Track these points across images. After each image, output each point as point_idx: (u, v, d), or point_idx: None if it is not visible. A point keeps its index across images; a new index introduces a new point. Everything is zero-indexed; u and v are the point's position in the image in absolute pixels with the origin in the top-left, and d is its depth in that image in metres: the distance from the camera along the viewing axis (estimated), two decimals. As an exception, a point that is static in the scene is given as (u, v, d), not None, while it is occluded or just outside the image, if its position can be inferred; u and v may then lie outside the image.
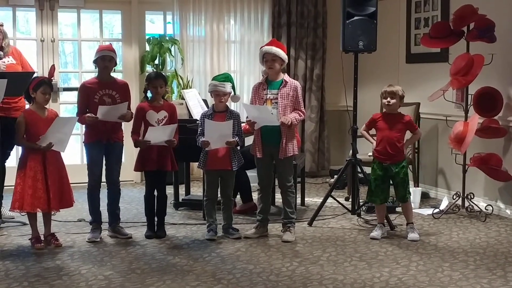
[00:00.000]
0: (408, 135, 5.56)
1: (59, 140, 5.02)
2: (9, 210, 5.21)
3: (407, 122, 5.45)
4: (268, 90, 5.33)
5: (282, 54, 5.32)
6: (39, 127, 5.01)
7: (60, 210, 5.23)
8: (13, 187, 5.10)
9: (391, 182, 5.45)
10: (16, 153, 7.12)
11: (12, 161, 7.26)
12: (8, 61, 5.80)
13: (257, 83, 5.48)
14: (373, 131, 5.57)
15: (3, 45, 5.83)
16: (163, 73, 6.30)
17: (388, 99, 5.37)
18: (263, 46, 5.39)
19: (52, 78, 5.33)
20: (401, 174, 5.37)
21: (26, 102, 5.24)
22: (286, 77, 5.38)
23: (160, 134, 5.25)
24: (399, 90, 5.38)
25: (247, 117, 5.31)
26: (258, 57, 5.45)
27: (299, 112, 5.34)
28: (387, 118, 5.44)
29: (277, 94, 5.28)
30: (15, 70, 5.76)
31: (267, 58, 5.30)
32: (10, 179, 5.41)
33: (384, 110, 5.56)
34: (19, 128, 5.07)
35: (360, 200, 6.17)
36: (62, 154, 5.17)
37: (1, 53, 5.78)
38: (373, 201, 5.49)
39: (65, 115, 6.91)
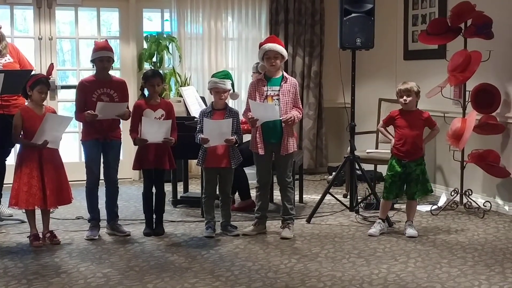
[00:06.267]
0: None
1: (54, 138, 5.02)
2: (8, 207, 5.21)
3: (426, 119, 5.35)
4: (268, 87, 5.32)
5: (284, 52, 5.34)
6: (35, 125, 5.01)
7: (58, 207, 5.24)
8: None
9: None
10: (14, 151, 7.14)
11: (12, 159, 7.29)
12: (5, 61, 5.80)
13: (255, 80, 5.46)
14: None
15: (0, 48, 5.82)
16: (161, 71, 6.31)
17: (404, 97, 5.28)
18: (265, 44, 5.34)
19: (50, 77, 5.33)
20: (417, 171, 5.32)
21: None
22: (284, 73, 5.39)
23: (155, 129, 5.23)
24: (413, 86, 5.29)
25: (250, 115, 5.29)
26: (258, 54, 5.42)
27: (299, 110, 5.36)
28: (406, 115, 5.34)
29: (278, 91, 5.28)
30: (12, 68, 5.75)
31: (269, 55, 5.28)
32: (11, 177, 5.40)
33: (401, 107, 5.40)
34: (16, 125, 5.08)
35: (358, 197, 6.18)
36: (59, 151, 5.18)
37: None
38: (387, 197, 5.42)
39: (63, 113, 6.89)
